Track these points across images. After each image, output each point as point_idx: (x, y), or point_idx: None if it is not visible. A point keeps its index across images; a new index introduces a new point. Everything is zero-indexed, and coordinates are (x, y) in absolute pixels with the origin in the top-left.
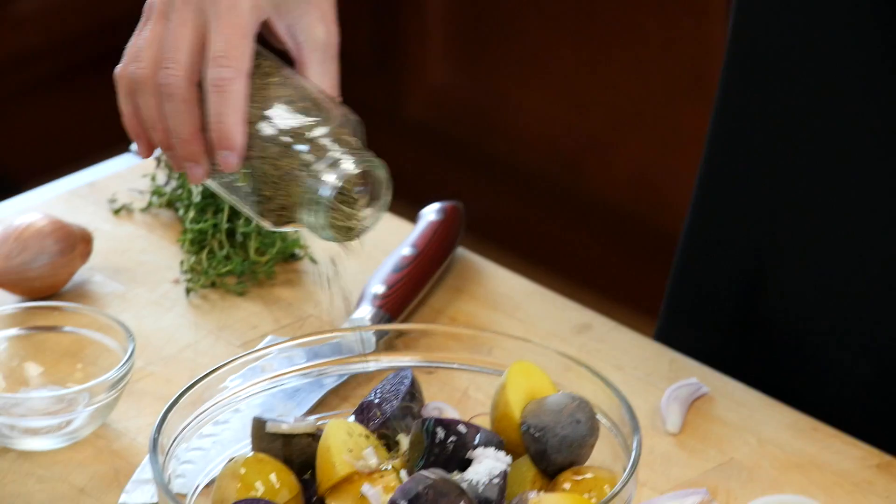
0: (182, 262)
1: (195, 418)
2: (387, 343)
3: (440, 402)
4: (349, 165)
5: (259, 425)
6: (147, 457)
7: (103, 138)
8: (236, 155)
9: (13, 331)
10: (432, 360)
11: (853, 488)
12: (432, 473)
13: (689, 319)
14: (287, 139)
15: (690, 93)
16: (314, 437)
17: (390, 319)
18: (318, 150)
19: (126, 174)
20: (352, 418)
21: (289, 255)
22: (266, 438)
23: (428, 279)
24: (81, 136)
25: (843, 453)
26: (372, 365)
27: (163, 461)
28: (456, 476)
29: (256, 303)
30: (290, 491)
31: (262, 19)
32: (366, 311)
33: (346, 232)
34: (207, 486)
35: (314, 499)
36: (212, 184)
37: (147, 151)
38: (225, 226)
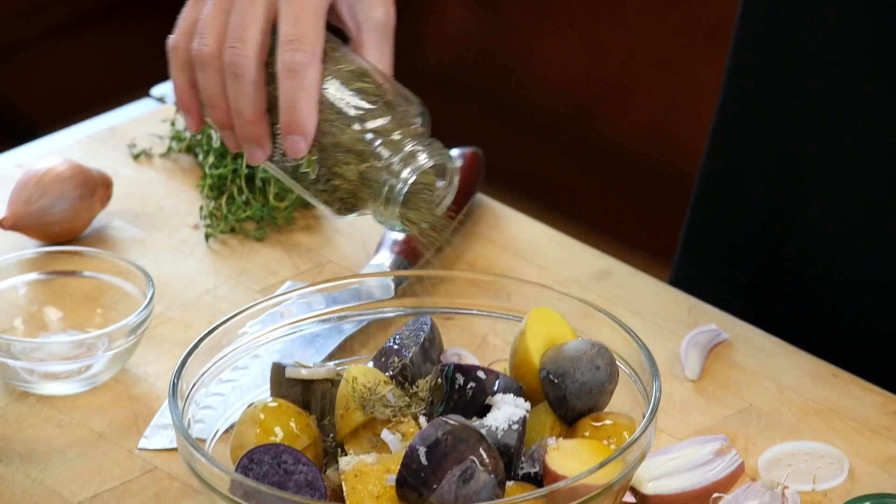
0: (201, 208)
1: (214, 364)
2: (406, 289)
3: (459, 349)
4: (422, 159)
5: (278, 371)
6: (166, 402)
7: (123, 83)
8: (306, 140)
9: (33, 275)
10: (451, 307)
11: (872, 434)
12: (451, 419)
13: (704, 266)
14: (357, 127)
15: (707, 38)
16: (333, 382)
17: (409, 266)
18: (389, 141)
19: (146, 119)
20: (371, 364)
21: (308, 201)
22: (285, 384)
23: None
24: (101, 81)
25: (863, 399)
26: (391, 311)
27: (182, 406)
28: (475, 422)
29: (276, 248)
30: (309, 436)
31: (331, 1)
32: (385, 258)
33: (413, 223)
34: (227, 431)
35: (333, 444)
36: (270, 166)
37: (197, 125)
38: (244, 171)
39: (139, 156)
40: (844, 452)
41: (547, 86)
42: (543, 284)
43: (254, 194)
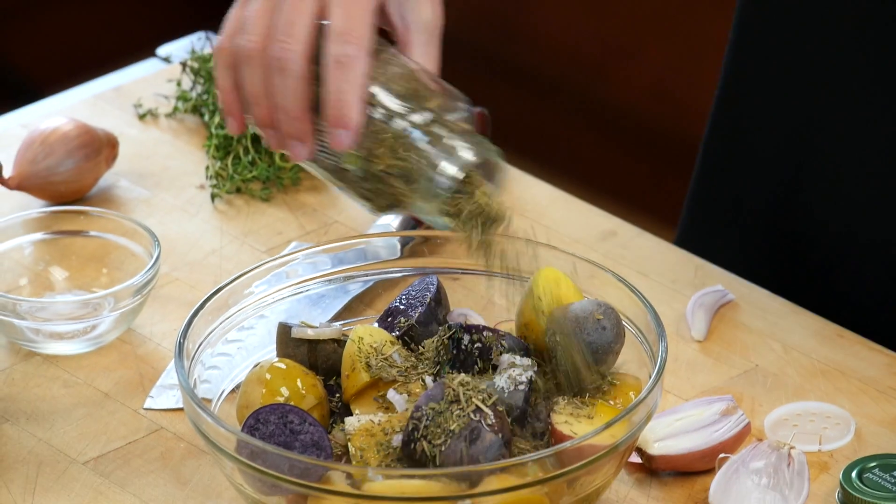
0: (207, 168)
1: (220, 324)
2: (412, 249)
3: (466, 309)
4: (468, 155)
5: (284, 331)
6: (172, 362)
7: (129, 43)
8: (352, 134)
9: (39, 235)
10: (458, 267)
11: (878, 395)
12: (458, 377)
13: (710, 226)
14: (403, 123)
15: None
16: (339, 343)
17: (415, 226)
18: (435, 137)
19: (152, 79)
20: (377, 324)
21: None
22: (291, 344)
23: None
24: (107, 41)
25: (869, 360)
26: (397, 271)
27: (188, 366)
28: (481, 382)
29: (281, 208)
30: (316, 397)
31: (381, 2)
32: (391, 218)
33: (457, 218)
34: (233, 391)
35: (339, 405)
36: (311, 165)
37: (240, 128)
38: (250, 131)
39: (145, 116)
40: (850, 413)
41: (551, 46)
42: (550, 245)
43: (260, 154)
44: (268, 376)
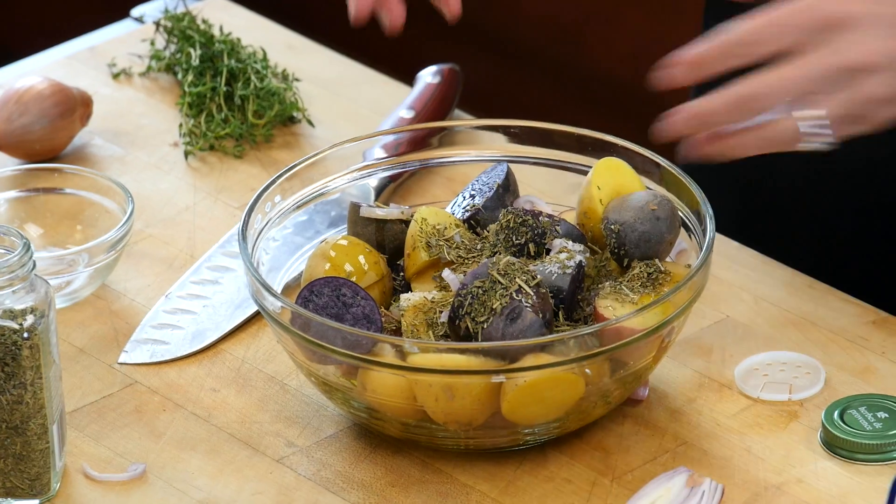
0: (181, 126)
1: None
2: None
3: (533, 196)
4: None
5: (354, 210)
6: (146, 317)
7: (103, 4)
8: None
9: (13, 193)
10: (529, 155)
11: (848, 344)
12: (505, 258)
13: None
14: None
15: None
16: (406, 223)
17: (389, 181)
18: None
19: (126, 39)
20: (448, 208)
21: (287, 118)
22: (360, 223)
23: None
24: (81, 3)
25: (840, 310)
26: (472, 156)
27: (251, 246)
28: (531, 264)
29: (254, 165)
30: (377, 273)
31: None
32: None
33: None
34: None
35: (402, 283)
36: None
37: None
38: (223, 89)
39: (119, 75)
40: (821, 362)
41: (530, 12)
42: (613, 139)
43: (232, 112)
44: (332, 253)
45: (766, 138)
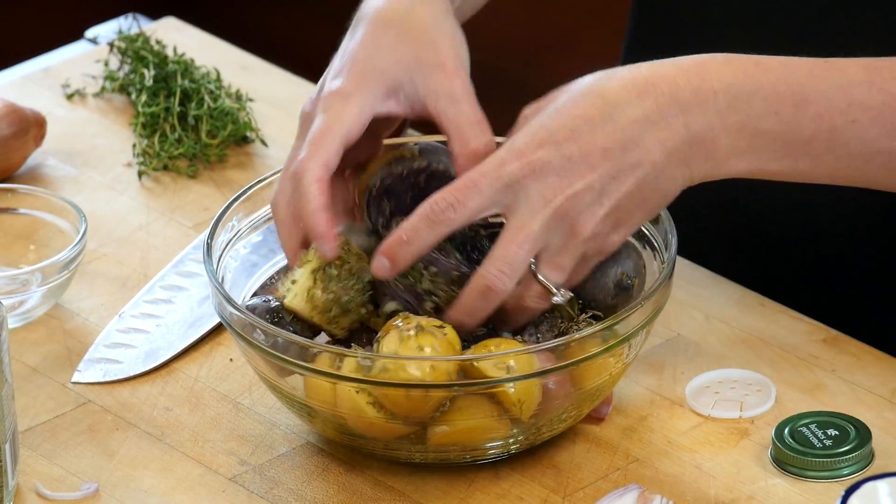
0: (134, 146)
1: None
2: None
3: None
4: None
5: None
6: (99, 336)
7: (57, 26)
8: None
9: None
10: None
11: (799, 362)
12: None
13: None
14: None
15: None
16: None
17: None
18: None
19: (80, 60)
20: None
21: (240, 138)
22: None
23: None
24: (35, 25)
25: (790, 328)
26: None
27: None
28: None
29: (208, 185)
30: None
31: None
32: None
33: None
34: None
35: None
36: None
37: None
38: (177, 109)
39: (73, 96)
40: (771, 380)
41: (487, 35)
42: None
43: (186, 132)
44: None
45: (525, 308)
